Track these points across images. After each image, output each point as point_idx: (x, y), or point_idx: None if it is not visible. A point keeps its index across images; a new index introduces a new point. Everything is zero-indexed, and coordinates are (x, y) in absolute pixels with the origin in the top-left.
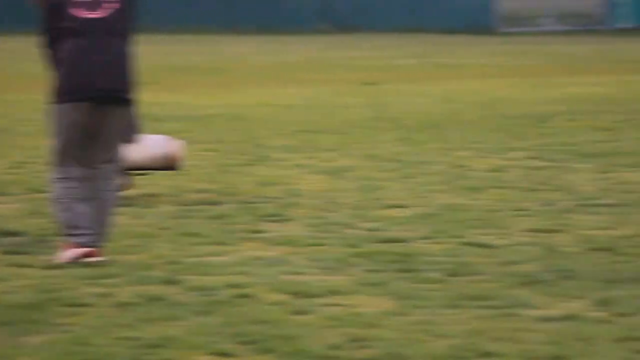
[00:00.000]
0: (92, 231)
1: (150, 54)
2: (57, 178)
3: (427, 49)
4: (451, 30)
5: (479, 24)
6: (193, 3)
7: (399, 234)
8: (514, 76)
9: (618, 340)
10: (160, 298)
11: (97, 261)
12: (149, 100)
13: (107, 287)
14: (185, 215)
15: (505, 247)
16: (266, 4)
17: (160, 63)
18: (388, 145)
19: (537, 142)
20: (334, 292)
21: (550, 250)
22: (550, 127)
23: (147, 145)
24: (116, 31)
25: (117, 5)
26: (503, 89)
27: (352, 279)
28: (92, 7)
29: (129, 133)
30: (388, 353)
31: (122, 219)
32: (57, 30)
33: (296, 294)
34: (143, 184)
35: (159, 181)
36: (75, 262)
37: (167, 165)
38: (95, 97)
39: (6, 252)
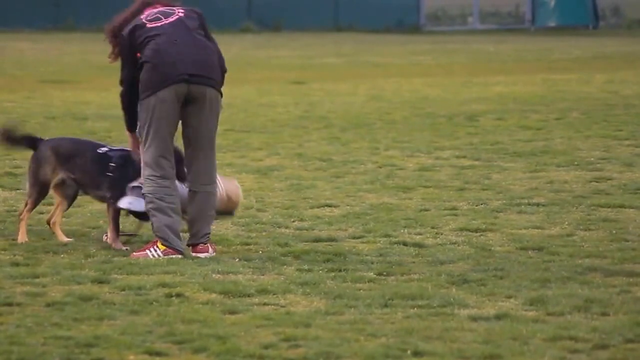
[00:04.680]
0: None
1: (71, 53)
2: None
3: (354, 47)
4: (378, 29)
5: (406, 22)
6: (116, 2)
7: (329, 233)
8: (442, 75)
9: (551, 339)
10: (92, 297)
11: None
12: (72, 99)
13: (38, 286)
14: None
15: (436, 246)
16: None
17: (82, 61)
18: (316, 144)
19: (465, 141)
20: (265, 292)
21: (481, 250)
22: (479, 126)
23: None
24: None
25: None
26: (431, 88)
27: (283, 279)
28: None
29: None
30: (320, 352)
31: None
32: None
33: (227, 293)
34: None
35: None
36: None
37: (225, 209)
38: None
39: None
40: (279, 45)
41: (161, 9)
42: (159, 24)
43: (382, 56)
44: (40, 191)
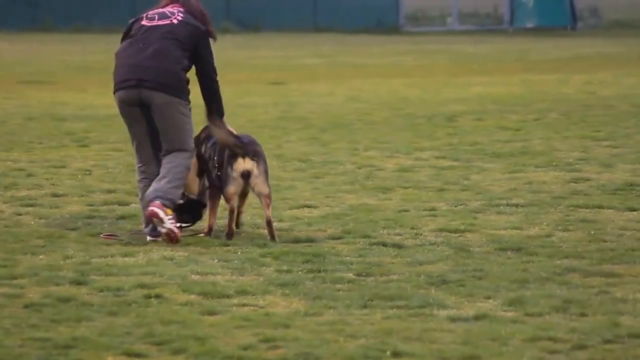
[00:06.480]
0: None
1: (49, 53)
2: None
3: (334, 48)
4: (357, 30)
5: (385, 23)
6: (93, 2)
7: (308, 234)
8: (421, 76)
9: (529, 339)
10: (70, 299)
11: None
12: (50, 100)
13: (16, 287)
14: (93, 215)
15: (415, 247)
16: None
17: (58, 62)
18: (296, 145)
19: (445, 141)
20: (244, 293)
21: (460, 250)
22: (458, 127)
23: None
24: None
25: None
26: (410, 88)
27: (262, 279)
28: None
29: None
30: (300, 353)
31: (28, 220)
32: None
33: (206, 294)
34: (47, 184)
35: (64, 181)
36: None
37: None
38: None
39: None
40: (258, 46)
41: (166, 10)
42: (147, 24)
43: (362, 57)
44: None
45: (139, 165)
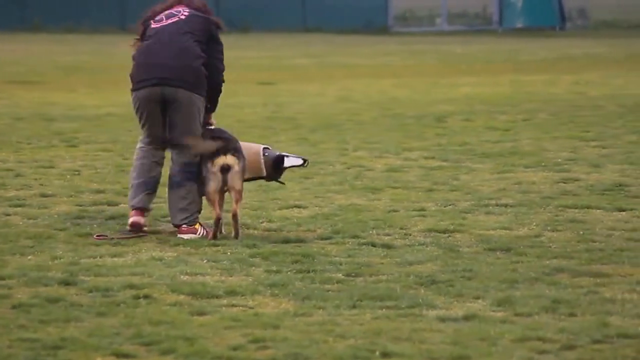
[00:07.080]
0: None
1: (38, 53)
2: None
3: (323, 48)
4: (347, 30)
5: (374, 23)
6: (83, 2)
7: (297, 234)
8: (410, 76)
9: (519, 339)
10: (59, 299)
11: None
12: (39, 100)
13: (4, 288)
14: (81, 215)
15: (404, 247)
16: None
17: (48, 62)
18: (285, 145)
19: (434, 142)
20: (233, 293)
21: (450, 251)
22: (447, 127)
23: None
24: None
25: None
26: (399, 89)
27: (251, 280)
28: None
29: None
30: (289, 354)
31: (16, 220)
32: None
33: (195, 295)
34: (35, 184)
35: (53, 181)
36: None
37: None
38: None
39: None
40: (247, 46)
41: (173, 10)
42: (158, 26)
43: (351, 57)
44: None
45: (141, 146)
